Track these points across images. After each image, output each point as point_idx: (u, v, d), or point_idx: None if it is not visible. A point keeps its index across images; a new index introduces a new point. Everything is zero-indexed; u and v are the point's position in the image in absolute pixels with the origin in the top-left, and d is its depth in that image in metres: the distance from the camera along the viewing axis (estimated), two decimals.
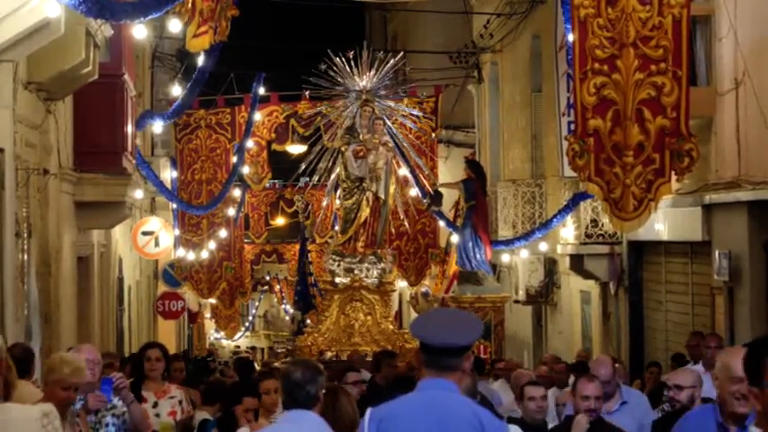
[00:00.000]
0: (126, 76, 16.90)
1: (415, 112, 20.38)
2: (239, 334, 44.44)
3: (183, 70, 26.16)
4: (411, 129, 20.54)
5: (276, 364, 17.66)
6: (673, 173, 12.49)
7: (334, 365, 16.58)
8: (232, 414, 9.12)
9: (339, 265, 18.31)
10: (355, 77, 18.59)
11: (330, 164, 18.81)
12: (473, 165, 21.58)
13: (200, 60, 16.11)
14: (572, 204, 19.15)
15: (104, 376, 8.48)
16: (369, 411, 5.70)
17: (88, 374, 8.13)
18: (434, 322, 5.82)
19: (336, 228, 25.63)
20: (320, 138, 19.32)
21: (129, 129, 17.15)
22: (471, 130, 32.19)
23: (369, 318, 18.26)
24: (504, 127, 29.09)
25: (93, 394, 8.22)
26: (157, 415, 9.83)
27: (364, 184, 18.31)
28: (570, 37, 12.88)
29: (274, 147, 23.58)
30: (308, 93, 18.65)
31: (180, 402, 10.12)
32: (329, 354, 17.70)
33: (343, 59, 18.43)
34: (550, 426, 8.98)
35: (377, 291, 18.28)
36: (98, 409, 8.30)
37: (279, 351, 17.60)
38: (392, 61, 18.75)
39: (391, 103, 19.07)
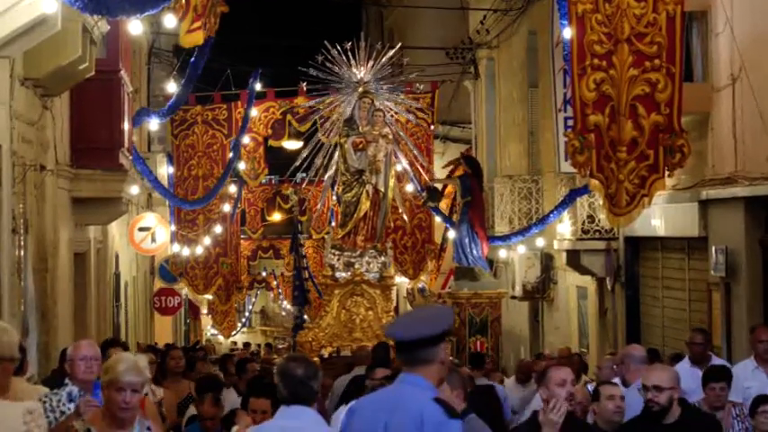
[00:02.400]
0: (123, 73, 16.90)
1: (416, 105, 20.32)
2: (235, 331, 44.40)
3: (180, 66, 26.15)
4: (409, 121, 20.44)
5: (278, 360, 17.37)
6: (666, 169, 12.51)
7: (335, 361, 16.57)
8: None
9: (339, 260, 18.11)
10: (353, 69, 18.39)
11: (327, 159, 18.70)
12: (469, 161, 21.58)
13: (194, 56, 16.13)
14: (568, 200, 19.16)
15: (95, 380, 7.99)
16: (350, 404, 6.01)
17: (86, 372, 8.07)
18: (402, 320, 6.18)
19: (333, 223, 25.63)
20: (317, 133, 19.23)
21: (126, 125, 17.15)
22: (468, 125, 32.19)
23: (370, 312, 18.10)
24: (501, 123, 29.10)
25: (85, 400, 7.80)
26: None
27: (364, 177, 18.10)
28: (567, 33, 12.88)
29: (271, 142, 23.59)
30: (305, 85, 18.41)
31: (146, 395, 9.82)
32: (329, 349, 17.58)
33: (340, 51, 18.23)
34: None
35: (378, 285, 18.06)
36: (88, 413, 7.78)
37: (281, 347, 17.36)
38: (391, 52, 18.56)
39: (390, 97, 18.87)
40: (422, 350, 5.69)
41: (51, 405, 7.89)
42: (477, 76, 30.70)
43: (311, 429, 6.04)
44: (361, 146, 18.03)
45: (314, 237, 31.61)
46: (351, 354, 16.55)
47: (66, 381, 8.18)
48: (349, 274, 18.00)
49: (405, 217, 20.93)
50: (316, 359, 16.19)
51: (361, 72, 18.37)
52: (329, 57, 18.05)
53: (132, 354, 6.93)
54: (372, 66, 18.38)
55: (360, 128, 18.20)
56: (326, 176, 19.01)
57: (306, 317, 24.85)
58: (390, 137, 18.23)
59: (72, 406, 7.84)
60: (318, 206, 22.78)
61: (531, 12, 24.91)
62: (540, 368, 12.86)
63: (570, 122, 18.69)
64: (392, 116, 18.97)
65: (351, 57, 18.34)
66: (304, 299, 26.86)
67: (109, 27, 14.72)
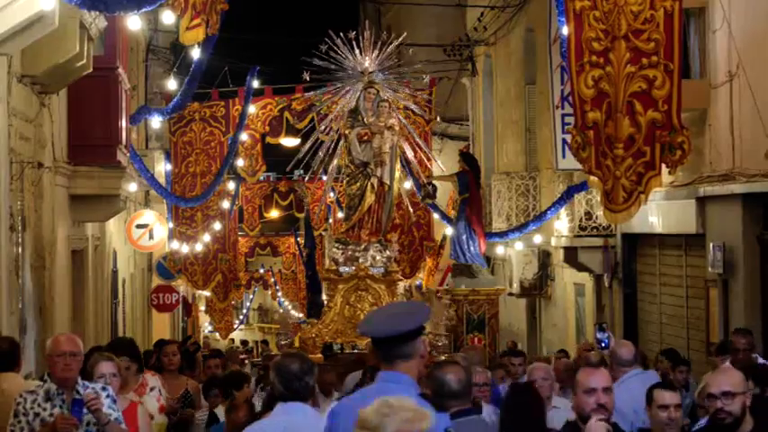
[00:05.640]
0: (120, 70, 16.89)
1: (423, 95, 20.14)
2: (234, 326, 44.39)
3: (178, 63, 26.16)
4: (412, 113, 20.18)
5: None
6: (664, 166, 12.52)
7: (339, 357, 16.47)
8: None
9: (343, 254, 17.77)
10: (358, 58, 18.02)
11: (327, 156, 18.45)
12: (467, 157, 21.57)
13: (196, 54, 16.10)
14: (566, 197, 19.17)
15: (75, 397, 7.44)
16: (332, 405, 6.01)
17: (64, 370, 7.49)
18: (377, 316, 6.16)
19: (330, 220, 25.56)
20: (314, 130, 19.05)
21: (124, 122, 17.14)
22: (465, 122, 32.21)
23: (375, 308, 17.78)
24: (498, 119, 29.13)
25: (62, 416, 7.35)
26: (150, 416, 9.11)
27: (369, 170, 17.72)
28: (564, 30, 12.87)
29: (268, 139, 23.58)
30: (308, 74, 17.98)
31: (159, 391, 9.60)
32: (334, 346, 17.39)
33: (345, 40, 17.84)
34: None
35: (383, 280, 17.69)
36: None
37: (282, 343, 17.01)
38: (397, 41, 18.21)
39: (395, 88, 18.54)
40: (401, 346, 5.68)
41: (24, 407, 7.51)
42: (475, 73, 30.72)
43: (310, 425, 6.06)
44: (366, 137, 17.63)
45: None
46: (358, 350, 16.46)
47: (46, 378, 7.76)
48: (353, 268, 17.67)
49: (410, 209, 20.66)
50: (319, 356, 16.12)
51: (366, 62, 18.01)
52: (333, 45, 17.66)
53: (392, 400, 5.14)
54: (378, 55, 18.03)
55: (365, 119, 17.80)
56: (327, 172, 18.77)
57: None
58: (396, 128, 17.87)
59: (48, 406, 7.47)
60: (318, 204, 22.52)
61: (529, 9, 24.92)
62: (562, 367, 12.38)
63: (567, 119, 18.75)
64: (396, 108, 18.63)
65: (355, 46, 17.97)
66: (319, 289, 26.56)
67: (106, 24, 14.71)
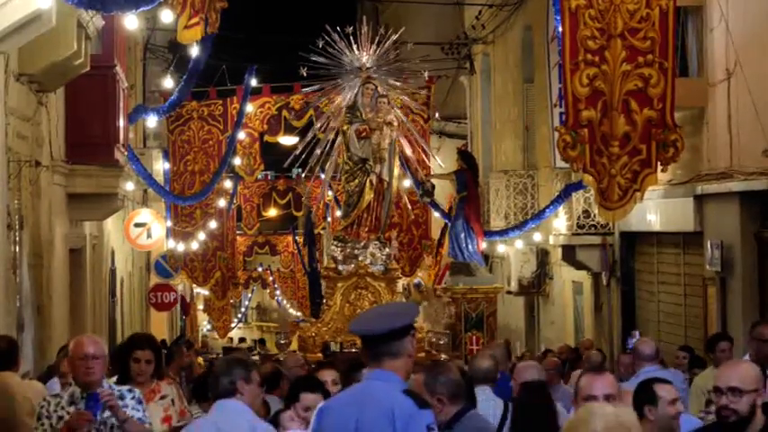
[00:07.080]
0: (118, 68, 16.86)
1: (422, 91, 20.05)
2: (232, 325, 44.34)
3: (176, 62, 26.14)
4: (410, 112, 20.00)
5: (280, 357, 16.38)
6: (658, 163, 12.54)
7: (340, 356, 16.40)
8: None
9: (342, 252, 17.56)
10: (356, 53, 17.82)
11: (324, 154, 18.37)
12: (465, 156, 21.56)
13: (194, 52, 16.08)
14: (564, 195, 19.17)
15: (90, 391, 7.11)
16: (320, 404, 6.11)
17: (86, 373, 7.17)
18: (366, 316, 6.30)
19: (329, 219, 25.55)
20: (313, 127, 18.97)
21: (122, 121, 17.12)
22: (463, 121, 32.20)
23: (375, 306, 17.54)
24: (496, 118, 29.13)
25: (77, 411, 7.06)
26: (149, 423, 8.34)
27: (367, 166, 17.48)
28: (560, 28, 12.89)
29: (266, 138, 23.59)
30: (304, 71, 17.79)
31: (173, 402, 8.69)
32: (333, 345, 17.28)
33: (342, 35, 17.63)
34: None
35: (383, 278, 17.51)
36: (82, 428, 7.06)
37: (282, 342, 16.88)
38: (394, 36, 18.03)
39: (393, 84, 18.35)
40: (388, 344, 5.70)
41: (48, 410, 7.25)
42: (473, 72, 30.70)
43: (239, 423, 6.36)
44: (364, 134, 17.42)
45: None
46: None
47: (71, 381, 7.50)
48: (353, 266, 17.44)
49: (408, 206, 20.57)
50: (319, 354, 16.02)
51: (363, 57, 17.81)
52: (330, 41, 17.46)
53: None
54: (375, 51, 17.82)
55: (363, 115, 17.56)
56: (324, 170, 18.68)
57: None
58: (395, 124, 17.65)
59: (72, 410, 7.17)
60: (321, 196, 22.24)
61: (527, 7, 24.92)
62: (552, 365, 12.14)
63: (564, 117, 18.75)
64: (394, 105, 18.46)
65: (352, 41, 17.79)
66: (320, 290, 26.54)
67: (104, 22, 14.71)
